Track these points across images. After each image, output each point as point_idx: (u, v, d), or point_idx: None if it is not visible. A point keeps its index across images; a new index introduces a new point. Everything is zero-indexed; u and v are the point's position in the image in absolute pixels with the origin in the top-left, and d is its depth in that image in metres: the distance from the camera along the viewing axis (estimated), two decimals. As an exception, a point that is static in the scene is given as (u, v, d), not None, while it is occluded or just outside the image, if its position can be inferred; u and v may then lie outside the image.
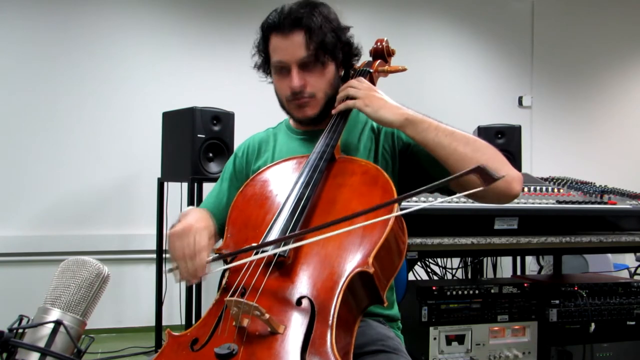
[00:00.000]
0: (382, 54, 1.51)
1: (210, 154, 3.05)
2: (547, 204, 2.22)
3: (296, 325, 0.97)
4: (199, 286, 3.20)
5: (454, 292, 2.18)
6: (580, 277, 2.70)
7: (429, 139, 1.25)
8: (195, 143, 2.97)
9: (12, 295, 3.25)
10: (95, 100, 3.87)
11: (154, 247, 3.42)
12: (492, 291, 2.22)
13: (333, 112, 1.35)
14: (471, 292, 2.20)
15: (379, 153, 1.41)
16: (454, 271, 3.34)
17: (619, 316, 2.30)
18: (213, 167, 3.04)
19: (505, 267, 3.96)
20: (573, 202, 2.27)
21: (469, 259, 3.38)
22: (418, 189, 0.96)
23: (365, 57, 1.51)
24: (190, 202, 2.97)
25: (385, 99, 1.30)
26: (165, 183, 3.30)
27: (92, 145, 3.83)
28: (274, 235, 1.11)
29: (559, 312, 2.24)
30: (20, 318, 1.00)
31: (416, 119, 1.26)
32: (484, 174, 0.92)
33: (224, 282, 1.14)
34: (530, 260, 4.03)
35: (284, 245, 1.07)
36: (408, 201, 2.02)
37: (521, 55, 4.89)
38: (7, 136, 3.70)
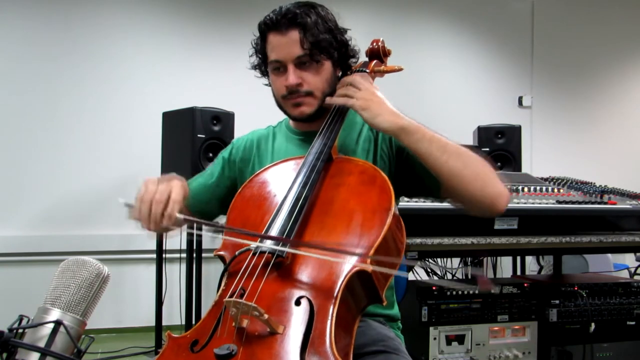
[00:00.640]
0: (378, 54, 1.51)
1: (210, 154, 3.05)
2: (547, 204, 2.22)
3: (295, 325, 0.98)
4: (199, 286, 3.20)
5: (454, 292, 2.18)
6: (580, 277, 2.70)
7: (422, 149, 1.25)
8: (195, 143, 2.97)
9: (12, 295, 3.25)
10: (96, 100, 3.87)
11: (154, 247, 3.42)
12: (492, 291, 2.22)
13: (327, 101, 1.35)
14: (471, 292, 2.20)
15: (378, 154, 1.41)
16: (454, 271, 3.34)
17: (619, 316, 2.30)
18: (213, 167, 3.04)
19: (505, 267, 3.95)
20: (573, 202, 2.27)
21: (469, 259, 3.38)
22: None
23: (362, 57, 1.51)
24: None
25: (384, 103, 1.28)
26: (165, 183, 3.29)
27: (92, 145, 3.83)
28: (273, 234, 1.12)
29: (559, 312, 2.24)
30: (20, 318, 1.00)
31: (411, 128, 1.25)
32: (483, 283, 0.96)
33: (223, 283, 1.14)
34: (530, 260, 4.03)
35: (282, 246, 1.07)
36: (408, 200, 2.02)
37: (521, 55, 4.89)
38: (7, 136, 3.70)
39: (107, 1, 3.93)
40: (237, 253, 1.13)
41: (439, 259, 3.23)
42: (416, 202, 2.04)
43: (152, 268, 3.51)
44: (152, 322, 3.42)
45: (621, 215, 2.31)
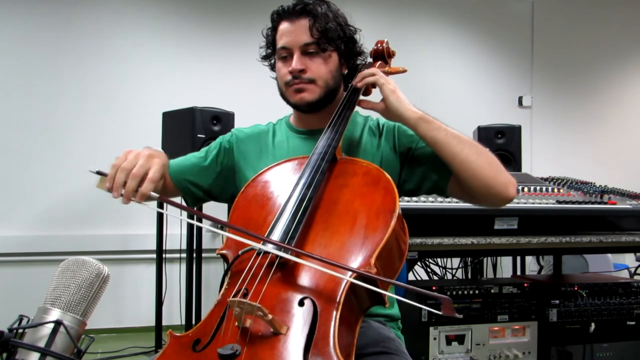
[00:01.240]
0: (382, 55, 1.52)
1: (210, 154, 3.05)
2: (547, 204, 2.22)
3: (299, 326, 0.97)
4: (199, 286, 3.20)
5: (454, 292, 2.18)
6: (580, 277, 2.70)
7: (438, 137, 1.30)
8: (195, 143, 2.97)
9: (12, 295, 3.25)
10: (96, 100, 3.87)
11: (154, 247, 3.42)
12: (492, 291, 2.22)
13: (354, 82, 1.39)
14: (471, 292, 2.20)
15: (382, 155, 1.42)
16: (454, 271, 3.34)
17: (619, 316, 2.30)
18: (213, 167, 3.04)
19: (505, 267, 3.96)
20: (573, 202, 2.27)
21: (469, 259, 3.38)
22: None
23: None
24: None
25: (403, 95, 1.35)
26: (165, 183, 3.30)
27: (92, 145, 3.83)
28: (276, 235, 1.11)
29: (559, 312, 2.24)
30: (20, 318, 1.00)
31: (428, 118, 1.32)
32: (447, 307, 0.96)
33: (225, 282, 1.13)
34: (530, 260, 4.03)
35: (284, 251, 1.06)
36: (408, 200, 2.03)
37: (521, 55, 4.89)
38: (7, 136, 3.70)
39: (108, 1, 3.93)
40: (240, 252, 1.12)
41: (439, 259, 3.24)
42: (416, 202, 2.05)
43: (152, 268, 3.51)
44: (152, 322, 3.42)
45: (621, 215, 2.31)
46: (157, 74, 3.98)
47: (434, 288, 2.17)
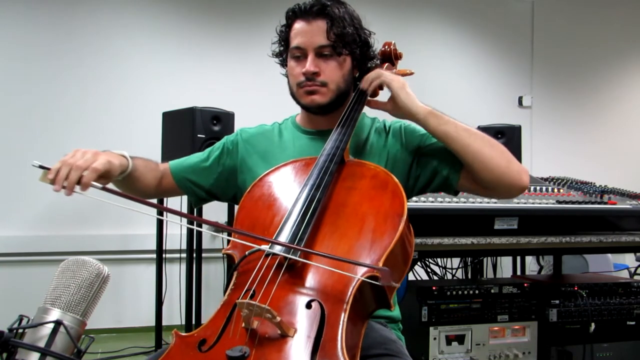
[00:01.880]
0: (389, 57, 1.52)
1: (210, 154, 3.05)
2: (547, 204, 2.22)
3: (306, 329, 0.97)
4: (199, 286, 3.20)
5: (454, 292, 2.18)
6: (580, 277, 2.70)
7: (449, 131, 1.31)
8: (195, 143, 2.97)
9: (12, 295, 3.25)
10: (96, 100, 3.87)
11: (154, 247, 3.42)
12: (492, 291, 2.22)
13: (361, 85, 1.39)
14: (471, 292, 2.20)
15: (388, 153, 1.42)
16: (454, 271, 3.34)
17: (619, 316, 2.30)
18: (213, 167, 3.04)
19: (505, 267, 3.96)
20: (573, 202, 2.27)
21: (469, 259, 3.38)
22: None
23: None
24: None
25: (412, 92, 1.35)
26: (165, 183, 3.30)
27: (92, 145, 3.77)
28: (284, 236, 1.10)
29: (559, 312, 2.24)
30: (20, 318, 1.00)
31: (437, 113, 1.33)
32: (385, 276, 0.99)
33: (232, 282, 1.12)
34: (530, 260, 4.03)
35: (293, 252, 1.06)
36: (408, 200, 2.02)
37: (521, 55, 4.89)
38: (8, 136, 3.70)
39: (108, 1, 3.93)
40: (247, 253, 1.11)
41: (439, 259, 3.23)
42: (416, 201, 2.04)
43: (152, 268, 3.51)
44: (152, 322, 3.42)
45: (621, 215, 2.31)
46: (157, 74, 3.98)
47: (433, 288, 2.17)
